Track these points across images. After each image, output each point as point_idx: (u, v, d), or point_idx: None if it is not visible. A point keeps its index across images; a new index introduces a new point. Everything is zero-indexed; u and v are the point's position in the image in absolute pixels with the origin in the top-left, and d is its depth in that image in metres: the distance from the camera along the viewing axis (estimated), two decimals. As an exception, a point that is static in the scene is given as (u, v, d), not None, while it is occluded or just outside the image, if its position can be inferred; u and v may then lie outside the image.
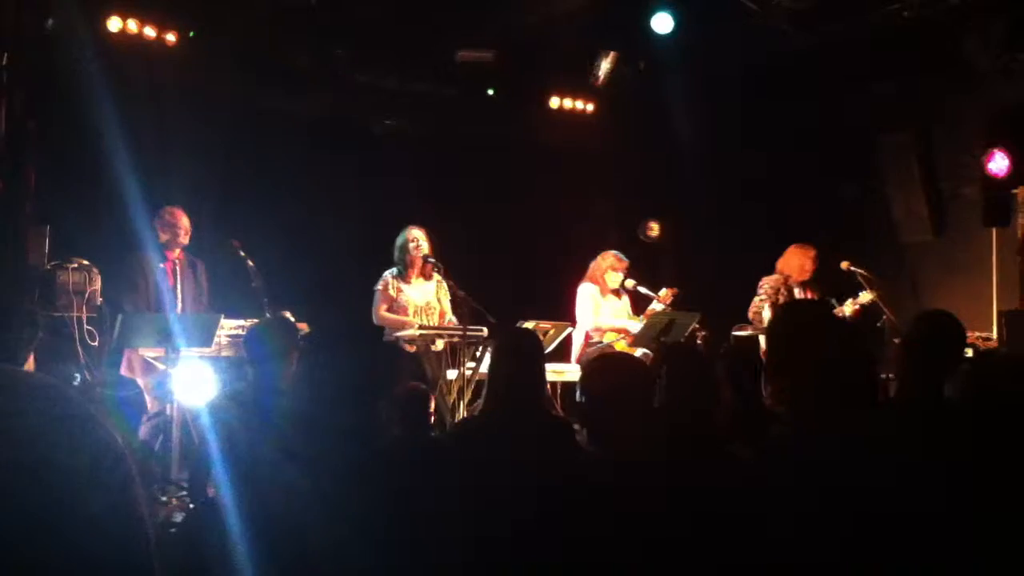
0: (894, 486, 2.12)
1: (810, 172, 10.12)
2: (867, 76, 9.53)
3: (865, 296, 8.00)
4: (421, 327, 7.32)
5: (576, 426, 4.16)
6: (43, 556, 0.80)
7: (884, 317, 8.01)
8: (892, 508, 2.08)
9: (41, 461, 0.82)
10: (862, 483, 2.14)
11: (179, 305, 7.33)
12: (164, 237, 7.31)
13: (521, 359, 4.07)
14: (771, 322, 3.00)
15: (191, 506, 5.73)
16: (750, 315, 8.31)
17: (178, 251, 7.41)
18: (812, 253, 8.33)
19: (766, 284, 8.34)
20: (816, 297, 8.29)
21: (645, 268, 9.00)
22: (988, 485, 2.24)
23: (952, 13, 8.64)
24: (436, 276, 7.69)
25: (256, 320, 6.98)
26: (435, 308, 7.69)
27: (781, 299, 8.21)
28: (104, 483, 0.85)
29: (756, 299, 8.34)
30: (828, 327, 2.77)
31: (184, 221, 7.37)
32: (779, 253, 8.48)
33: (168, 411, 6.59)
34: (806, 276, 8.32)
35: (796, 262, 8.32)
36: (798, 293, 8.30)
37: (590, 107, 10.67)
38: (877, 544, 2.00)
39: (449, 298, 7.71)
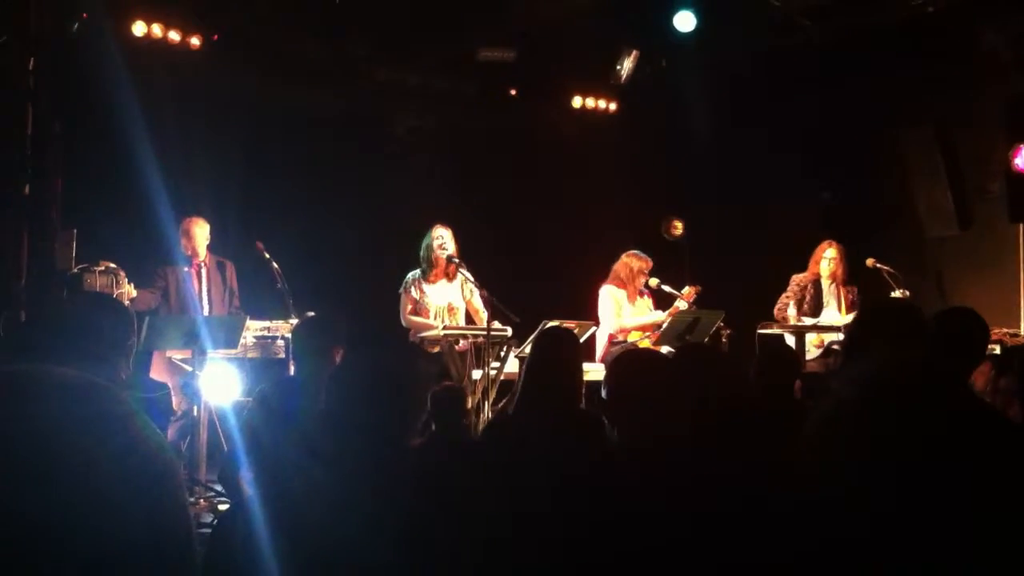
0: (913, 485, 2.10)
1: (832, 167, 10.05)
2: (887, 70, 9.44)
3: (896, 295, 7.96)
4: (445, 327, 7.33)
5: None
6: (79, 546, 0.81)
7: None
8: (911, 508, 2.07)
9: (73, 458, 0.83)
10: (880, 482, 2.13)
11: (205, 307, 7.37)
12: (186, 251, 7.45)
13: (560, 357, 4.08)
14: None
15: (219, 505, 5.77)
16: (775, 313, 8.29)
17: (204, 254, 7.50)
18: (828, 251, 8.30)
19: (792, 282, 8.35)
20: (849, 295, 8.26)
21: (668, 267, 8.97)
22: (1008, 484, 2.22)
23: (971, 6, 8.57)
24: (461, 276, 7.67)
25: (281, 320, 7.06)
26: (458, 308, 7.67)
27: (807, 296, 8.20)
28: (142, 477, 0.86)
29: (783, 296, 8.34)
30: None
31: (199, 234, 7.51)
32: (801, 251, 8.47)
33: (195, 412, 6.63)
34: (836, 274, 8.29)
35: (816, 260, 8.33)
36: (830, 291, 8.28)
37: (612, 106, 10.65)
38: (893, 545, 2.00)
39: (477, 295, 7.70)
